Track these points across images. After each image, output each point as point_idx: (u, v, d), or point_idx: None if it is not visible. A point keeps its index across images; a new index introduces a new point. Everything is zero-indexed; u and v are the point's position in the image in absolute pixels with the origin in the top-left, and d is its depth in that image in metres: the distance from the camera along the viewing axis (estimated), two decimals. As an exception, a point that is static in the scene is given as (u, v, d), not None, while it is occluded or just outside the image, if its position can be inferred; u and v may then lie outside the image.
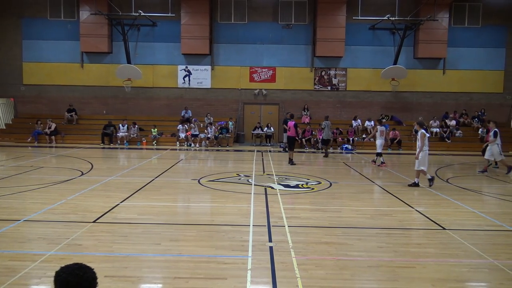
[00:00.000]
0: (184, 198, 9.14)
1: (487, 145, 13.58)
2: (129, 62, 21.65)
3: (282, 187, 10.03)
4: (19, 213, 7.14)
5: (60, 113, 22.49)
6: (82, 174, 11.49)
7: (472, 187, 10.66)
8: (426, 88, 22.97)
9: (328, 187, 10.29)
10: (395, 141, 20.71)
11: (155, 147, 20.32)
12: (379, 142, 14.76)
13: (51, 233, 6.00)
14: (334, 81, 23.04)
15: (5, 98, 22.88)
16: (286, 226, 6.56)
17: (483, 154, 13.86)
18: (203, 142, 20.76)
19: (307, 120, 22.14)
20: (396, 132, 20.90)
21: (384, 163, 14.54)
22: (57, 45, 22.75)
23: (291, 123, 14.66)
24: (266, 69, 22.92)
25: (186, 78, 22.94)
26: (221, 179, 11.15)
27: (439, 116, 22.55)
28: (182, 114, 22.32)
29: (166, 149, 19.23)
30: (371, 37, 22.71)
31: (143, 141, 20.81)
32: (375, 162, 14.99)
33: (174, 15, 21.76)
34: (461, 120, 22.65)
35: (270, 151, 19.14)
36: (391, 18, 20.62)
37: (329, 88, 23.09)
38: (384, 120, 21.70)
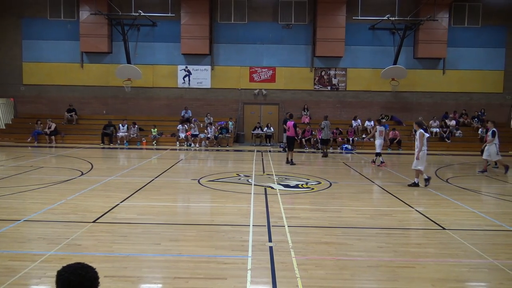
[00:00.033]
0: (184, 198, 9.15)
1: (486, 145, 13.58)
2: (129, 62, 21.64)
3: (282, 187, 10.03)
4: (19, 213, 7.14)
5: (60, 113, 22.49)
6: (82, 174, 11.50)
7: (472, 187, 10.67)
8: (426, 88, 22.98)
9: (328, 187, 10.29)
10: (395, 141, 20.72)
11: (155, 147, 20.32)
12: (378, 142, 14.78)
13: (51, 233, 6.00)
14: (334, 81, 23.04)
15: (5, 98, 22.87)
16: (286, 226, 6.57)
17: (482, 154, 13.87)
18: (203, 142, 20.76)
19: (307, 120, 22.14)
20: (396, 132, 20.90)
21: (383, 162, 14.56)
22: (57, 45, 22.75)
23: (290, 123, 14.67)
24: (266, 69, 22.92)
25: (186, 78, 22.94)
26: (221, 179, 11.16)
27: (439, 116, 22.56)
28: (182, 114, 22.32)
29: (166, 149, 19.23)
30: (371, 37, 22.71)
31: (143, 141, 20.81)
32: (374, 162, 15.00)
33: (174, 15, 21.76)
34: (461, 120, 22.66)
35: (270, 151, 19.15)
36: (391, 18, 20.62)
37: (329, 88, 23.09)
38: (384, 120, 21.73)
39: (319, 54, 22.39)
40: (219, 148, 20.37)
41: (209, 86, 23.02)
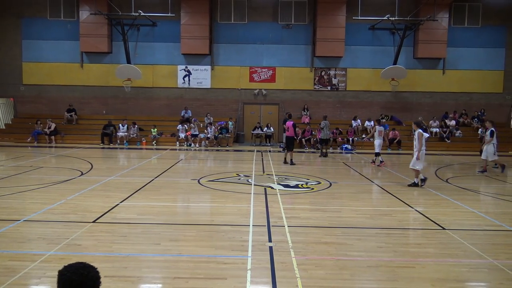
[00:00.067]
0: (183, 198, 9.15)
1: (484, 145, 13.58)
2: (129, 62, 21.64)
3: (282, 187, 10.03)
4: (18, 213, 7.14)
5: (59, 113, 22.49)
6: (82, 174, 11.49)
7: (471, 187, 10.67)
8: (425, 88, 22.98)
9: (328, 187, 10.29)
10: (395, 141, 20.73)
11: (154, 147, 20.32)
12: (377, 142, 14.81)
13: (50, 233, 6.00)
14: (334, 81, 23.04)
15: (5, 98, 22.86)
16: (286, 226, 6.57)
17: (481, 155, 13.86)
18: (203, 142, 20.76)
19: (307, 120, 22.14)
20: (396, 132, 20.91)
21: (382, 162, 14.60)
22: (57, 45, 22.74)
23: (289, 123, 14.64)
24: (266, 69, 22.92)
25: (186, 78, 22.94)
26: (221, 179, 11.16)
27: (439, 116, 22.57)
28: (182, 114, 22.32)
29: (166, 149, 19.23)
30: (371, 37, 22.72)
31: (143, 141, 20.81)
32: (374, 162, 15.01)
33: (174, 15, 21.76)
34: (461, 120, 22.66)
35: (269, 151, 19.15)
36: (391, 18, 20.62)
37: (329, 88, 23.09)
38: (384, 120, 21.74)
39: (319, 54, 22.39)
40: (219, 148, 20.37)
41: (209, 86, 23.02)
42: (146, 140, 20.86)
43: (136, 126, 21.23)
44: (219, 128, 21.18)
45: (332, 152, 19.32)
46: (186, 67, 22.87)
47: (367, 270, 4.91)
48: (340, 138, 21.40)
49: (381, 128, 15.17)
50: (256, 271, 4.76)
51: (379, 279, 4.68)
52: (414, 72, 22.69)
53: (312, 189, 9.99)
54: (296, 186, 10.29)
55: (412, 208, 8.09)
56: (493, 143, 13.02)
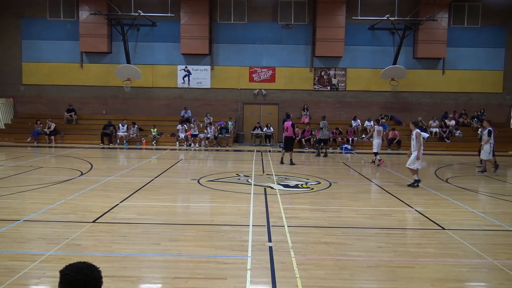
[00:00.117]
0: (183, 198, 9.14)
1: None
2: (128, 62, 21.64)
3: (282, 187, 10.03)
4: (18, 213, 7.13)
5: (59, 113, 22.49)
6: (82, 174, 11.49)
7: (471, 187, 10.67)
8: (425, 88, 22.99)
9: (328, 187, 10.29)
10: (395, 141, 20.74)
11: (154, 147, 20.31)
12: (376, 141, 14.86)
13: (50, 233, 5.99)
14: (334, 81, 23.05)
15: (5, 98, 22.85)
16: (286, 226, 6.57)
17: (480, 155, 13.87)
18: (203, 142, 20.76)
19: (306, 120, 22.15)
20: (396, 132, 20.92)
21: (381, 160, 14.71)
22: (56, 45, 22.74)
23: (288, 124, 14.62)
24: (266, 69, 22.92)
25: (186, 78, 22.94)
26: (221, 179, 11.16)
27: (439, 116, 22.58)
28: (182, 114, 22.31)
29: (166, 149, 19.23)
30: (370, 37, 22.72)
31: (143, 141, 20.80)
32: (374, 162, 15.02)
33: (173, 15, 21.76)
34: (461, 120, 22.67)
35: (269, 151, 19.15)
36: (390, 18, 20.63)
37: (328, 88, 23.10)
38: (383, 120, 21.74)
39: (319, 54, 22.40)
40: (219, 148, 20.37)
41: (208, 86, 23.02)
42: (146, 140, 20.86)
43: (136, 126, 21.23)
44: (219, 128, 21.18)
45: (332, 152, 19.33)
46: (186, 67, 22.87)
47: (367, 270, 4.91)
48: (340, 138, 21.40)
49: (380, 128, 15.21)
50: (256, 271, 4.76)
51: (379, 279, 4.68)
52: (414, 72, 22.70)
53: (312, 189, 9.99)
54: (296, 186, 10.29)
55: (412, 208, 8.09)
56: (490, 143, 13.02)
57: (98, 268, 1.99)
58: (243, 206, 8.01)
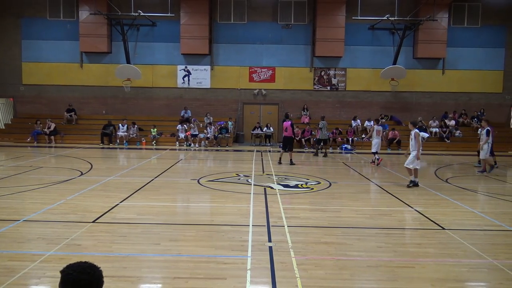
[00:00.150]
0: (183, 198, 9.14)
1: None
2: (128, 62, 21.64)
3: (282, 187, 10.03)
4: (18, 213, 7.13)
5: (59, 113, 22.48)
6: (82, 174, 11.49)
7: (471, 187, 10.67)
8: (425, 88, 22.99)
9: (328, 187, 10.29)
10: (395, 141, 20.74)
11: (154, 147, 20.31)
12: (374, 141, 14.90)
13: (50, 233, 5.99)
14: (334, 81, 23.05)
15: (5, 98, 22.85)
16: (286, 226, 6.57)
17: (479, 155, 13.89)
18: (203, 142, 20.76)
19: (306, 120, 22.15)
20: (396, 132, 20.93)
21: (379, 158, 14.79)
22: (56, 45, 22.73)
23: (287, 124, 14.62)
24: (266, 69, 22.92)
25: (186, 78, 22.94)
26: (221, 179, 11.16)
27: (439, 116, 22.58)
28: (182, 114, 22.31)
29: (166, 149, 19.23)
30: (370, 37, 22.72)
31: (143, 141, 20.80)
32: (374, 162, 15.03)
33: (173, 15, 21.76)
34: (461, 120, 22.67)
35: (269, 151, 19.15)
36: (390, 18, 20.63)
37: (328, 88, 23.10)
38: (383, 120, 21.75)
39: (319, 54, 22.39)
40: (219, 148, 20.37)
41: (208, 86, 23.02)
42: (146, 140, 20.86)
43: (135, 126, 21.23)
44: (218, 128, 21.18)
45: (332, 152, 19.33)
46: (186, 67, 22.87)
47: (367, 270, 4.91)
48: (339, 138, 21.41)
49: (379, 127, 15.24)
50: (256, 271, 4.76)
51: (379, 279, 4.68)
52: (414, 72, 22.70)
53: (312, 189, 9.99)
54: (296, 186, 10.29)
55: (412, 208, 8.09)
56: (489, 142, 13.04)
57: (99, 267, 2.00)
58: (243, 206, 8.01)
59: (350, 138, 21.25)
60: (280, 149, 15.13)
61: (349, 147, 20.82)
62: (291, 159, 14.55)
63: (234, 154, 18.24)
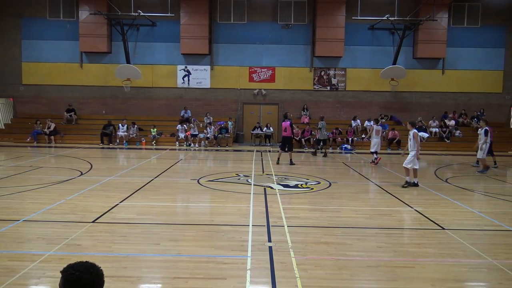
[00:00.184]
0: (183, 198, 9.14)
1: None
2: (128, 62, 21.64)
3: (282, 187, 10.03)
4: (18, 213, 7.13)
5: (59, 113, 22.48)
6: (81, 174, 11.49)
7: (471, 187, 10.68)
8: (425, 88, 22.99)
9: (328, 187, 10.29)
10: (395, 141, 20.75)
11: (154, 147, 20.31)
12: (373, 141, 14.93)
13: (50, 233, 5.99)
14: (334, 81, 23.05)
15: (4, 98, 22.84)
16: (286, 226, 6.57)
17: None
18: (203, 142, 20.76)
19: (306, 120, 22.15)
20: (396, 132, 20.93)
21: (377, 158, 14.81)
22: (56, 45, 22.73)
23: (286, 124, 14.62)
24: (266, 69, 22.92)
25: (186, 78, 22.94)
26: (221, 179, 11.16)
27: (438, 116, 22.58)
28: (182, 114, 22.31)
29: (166, 149, 19.23)
30: (370, 37, 22.72)
31: (143, 141, 20.80)
32: (373, 162, 15.04)
33: (173, 15, 21.76)
34: (460, 120, 22.67)
35: (269, 151, 19.15)
36: (390, 18, 20.63)
37: (328, 88, 23.10)
38: (383, 120, 21.75)
39: (319, 54, 22.39)
40: (219, 148, 20.37)
41: (208, 86, 23.02)
42: (146, 140, 20.86)
43: (135, 126, 21.23)
44: (218, 128, 21.18)
45: (332, 152, 19.33)
46: (186, 67, 22.87)
47: (367, 270, 4.91)
48: (339, 138, 21.41)
49: (379, 127, 15.26)
50: (255, 271, 4.76)
51: (379, 279, 4.68)
52: (414, 72, 22.70)
53: (312, 189, 9.99)
54: (296, 186, 10.29)
55: (412, 208, 8.10)
56: (487, 142, 13.05)
57: (100, 267, 2.00)
58: (243, 206, 8.01)
59: (350, 138, 21.25)
60: (279, 149, 15.11)
61: (349, 147, 20.82)
62: (291, 159, 14.54)
63: (234, 154, 18.24)
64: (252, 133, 22.20)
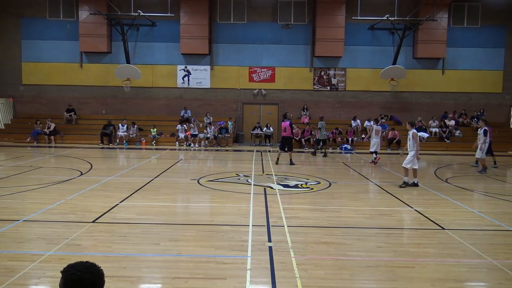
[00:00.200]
0: (183, 198, 9.14)
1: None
2: (128, 62, 21.63)
3: (282, 187, 10.03)
4: (18, 213, 7.13)
5: (59, 113, 22.48)
6: (81, 174, 11.49)
7: (471, 187, 10.68)
8: (425, 88, 22.99)
9: (328, 187, 10.29)
10: (395, 141, 20.75)
11: (154, 147, 20.31)
12: (373, 141, 14.96)
13: (50, 233, 5.99)
14: (334, 81, 23.05)
15: (4, 98, 22.84)
16: (286, 226, 6.57)
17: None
18: (203, 142, 20.76)
19: (306, 120, 22.15)
20: (395, 132, 20.93)
21: (376, 157, 14.82)
22: (56, 45, 22.73)
23: (285, 124, 14.62)
24: (266, 69, 22.92)
25: (186, 78, 22.94)
26: (221, 179, 11.16)
27: (438, 116, 22.58)
28: (182, 114, 22.31)
29: (166, 149, 19.22)
30: (370, 37, 22.72)
31: (143, 141, 20.80)
32: (373, 162, 15.05)
33: (173, 15, 21.76)
34: (460, 120, 22.68)
35: (269, 151, 19.15)
36: (390, 18, 20.63)
37: (328, 88, 23.10)
38: (383, 120, 21.75)
39: (319, 54, 22.39)
40: (219, 148, 20.37)
41: (208, 86, 23.02)
42: (146, 140, 20.86)
43: (135, 126, 21.23)
44: (218, 128, 21.18)
45: (332, 152, 19.33)
46: (186, 67, 22.87)
47: (367, 270, 4.91)
48: (339, 138, 21.41)
49: (378, 127, 15.27)
50: (255, 271, 4.76)
51: (379, 279, 4.68)
52: (414, 72, 22.71)
53: (312, 189, 9.99)
54: (296, 186, 10.29)
55: (412, 208, 8.10)
56: (486, 142, 13.06)
57: (100, 267, 2.00)
58: (243, 206, 8.01)
59: (350, 138, 21.25)
60: (279, 149, 15.11)
61: (349, 147, 20.82)
62: (291, 159, 14.54)
63: (234, 154, 18.24)
64: (252, 133, 22.20)
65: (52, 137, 20.62)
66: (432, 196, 9.38)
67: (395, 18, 20.96)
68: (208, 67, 22.87)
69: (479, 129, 13.60)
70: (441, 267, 4.98)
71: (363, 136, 21.51)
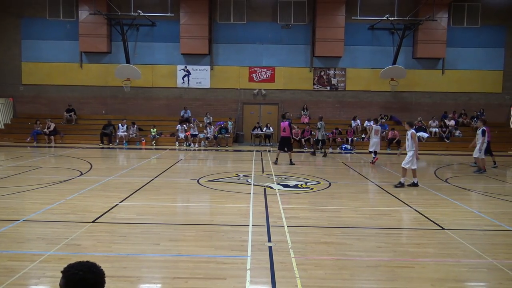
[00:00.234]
0: (183, 198, 9.14)
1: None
2: (128, 62, 21.63)
3: (281, 187, 10.03)
4: (18, 213, 7.13)
5: (59, 113, 22.48)
6: (81, 174, 11.49)
7: (471, 187, 10.68)
8: (425, 88, 22.99)
9: (327, 187, 10.29)
10: (394, 141, 20.75)
11: (154, 147, 20.31)
12: (372, 141, 14.97)
13: (50, 233, 5.99)
14: (333, 81, 23.05)
15: (4, 98, 22.84)
16: (285, 226, 6.57)
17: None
18: (202, 142, 20.76)
19: (306, 120, 22.15)
20: (395, 132, 20.93)
21: (374, 157, 14.83)
22: (56, 45, 22.72)
23: (285, 124, 14.62)
24: (266, 69, 22.92)
25: (186, 78, 22.94)
26: (220, 179, 11.16)
27: (438, 116, 22.58)
28: (182, 114, 22.31)
29: (165, 149, 19.22)
30: (370, 37, 22.72)
31: (142, 141, 20.80)
32: (373, 162, 15.05)
33: (173, 15, 21.76)
34: (460, 120, 22.68)
35: (269, 151, 19.15)
36: (390, 18, 20.63)
37: (328, 88, 23.10)
38: (383, 120, 21.76)
39: (319, 54, 22.39)
40: (219, 148, 20.37)
41: (208, 86, 23.02)
42: (146, 140, 20.86)
43: (135, 126, 21.22)
44: (218, 128, 21.18)
45: (332, 152, 19.33)
46: (186, 67, 22.87)
47: (367, 270, 4.91)
48: (339, 138, 21.41)
49: (378, 127, 15.29)
50: (255, 271, 4.76)
51: (379, 279, 4.68)
52: (414, 72, 22.71)
53: (312, 189, 10.00)
54: (296, 186, 10.29)
55: (412, 208, 8.10)
56: (484, 142, 13.07)
57: (101, 267, 2.00)
58: (242, 206, 8.01)
59: (350, 138, 21.25)
60: (278, 149, 15.11)
61: (348, 147, 20.82)
62: (290, 159, 14.55)
63: (234, 154, 18.24)
64: (252, 133, 22.20)
65: (52, 137, 20.62)
66: (432, 196, 9.38)
67: (395, 18, 20.95)
68: (208, 67, 22.87)
69: (478, 129, 13.61)
70: (441, 267, 4.98)
71: (363, 136, 21.51)
